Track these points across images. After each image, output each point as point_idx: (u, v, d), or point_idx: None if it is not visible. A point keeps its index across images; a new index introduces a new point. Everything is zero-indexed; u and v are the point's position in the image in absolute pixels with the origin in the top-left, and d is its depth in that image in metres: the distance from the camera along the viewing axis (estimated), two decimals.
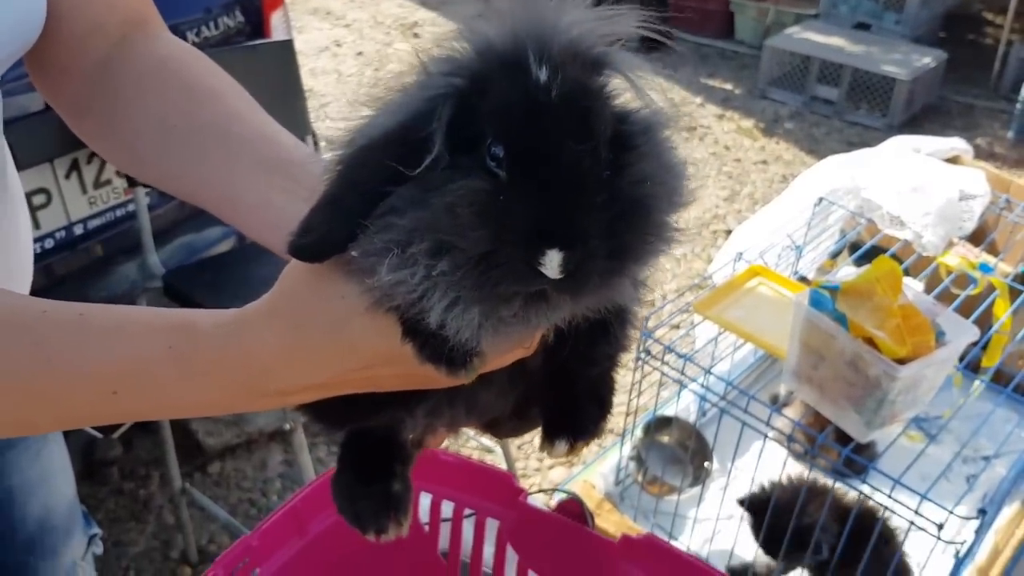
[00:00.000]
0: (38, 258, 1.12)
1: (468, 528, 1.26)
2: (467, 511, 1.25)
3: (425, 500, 1.26)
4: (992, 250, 2.38)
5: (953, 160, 2.67)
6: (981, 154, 4.70)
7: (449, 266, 0.60)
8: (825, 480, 1.78)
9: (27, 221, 1.09)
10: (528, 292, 0.61)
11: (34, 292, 1.06)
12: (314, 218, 0.66)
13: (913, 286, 1.77)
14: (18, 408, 0.70)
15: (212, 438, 2.97)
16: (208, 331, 0.69)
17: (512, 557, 1.23)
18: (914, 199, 2.25)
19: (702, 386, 1.77)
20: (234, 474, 2.95)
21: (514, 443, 2.95)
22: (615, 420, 0.82)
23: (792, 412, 1.97)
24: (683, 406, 2.09)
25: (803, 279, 2.16)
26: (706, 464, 2.03)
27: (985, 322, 1.86)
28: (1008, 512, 1.91)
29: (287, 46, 2.77)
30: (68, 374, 0.68)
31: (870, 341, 1.49)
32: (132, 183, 2.46)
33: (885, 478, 1.50)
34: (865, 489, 1.61)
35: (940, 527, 1.44)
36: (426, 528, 1.26)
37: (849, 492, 1.73)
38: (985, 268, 2.06)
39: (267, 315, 0.70)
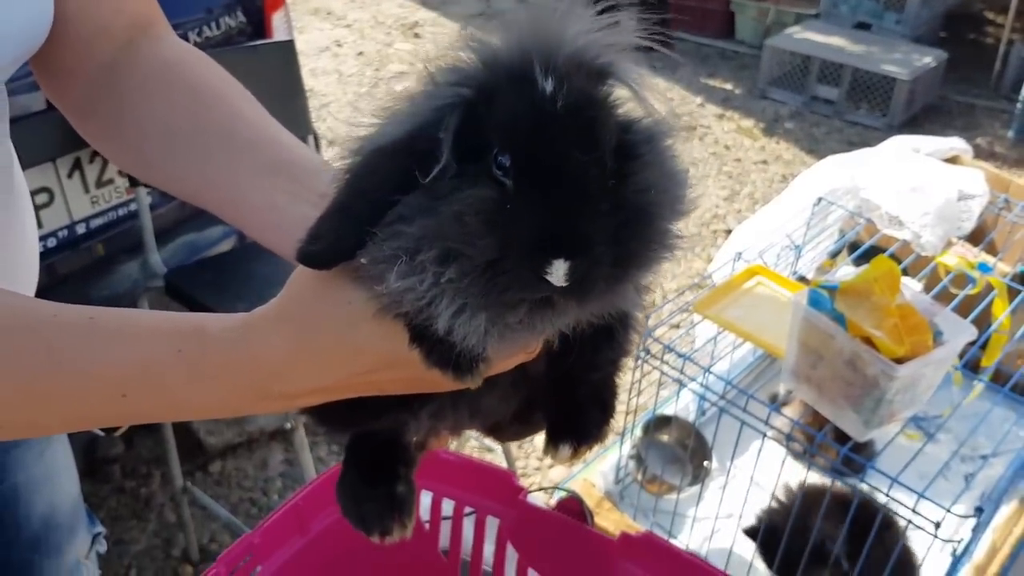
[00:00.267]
0: (40, 257, 1.13)
1: (468, 526, 1.26)
2: (467, 509, 1.26)
3: (426, 498, 1.26)
4: (991, 250, 2.39)
5: (953, 160, 2.67)
6: (981, 154, 4.71)
7: (456, 273, 0.60)
8: (841, 488, 1.74)
9: (33, 220, 1.10)
10: (534, 299, 0.62)
11: (36, 291, 1.08)
12: (323, 225, 0.67)
13: (911, 286, 1.77)
14: (28, 410, 0.71)
15: (213, 437, 2.97)
16: (217, 335, 0.70)
17: (512, 555, 1.24)
18: (913, 199, 2.25)
19: (701, 385, 1.77)
20: (235, 473, 2.96)
21: (514, 442, 2.96)
22: (615, 420, 0.83)
23: (791, 411, 1.98)
24: (682, 405, 2.09)
25: (802, 279, 2.16)
26: (705, 463, 2.03)
27: (984, 322, 1.86)
28: (1006, 510, 1.91)
29: (288, 46, 2.77)
30: (78, 377, 0.69)
31: (868, 340, 1.50)
32: (134, 182, 2.46)
33: (883, 476, 1.50)
34: (863, 488, 1.62)
35: (938, 525, 1.45)
36: (427, 526, 1.27)
37: (872, 503, 1.67)
38: (984, 268, 2.06)
39: (275, 319, 0.71)
